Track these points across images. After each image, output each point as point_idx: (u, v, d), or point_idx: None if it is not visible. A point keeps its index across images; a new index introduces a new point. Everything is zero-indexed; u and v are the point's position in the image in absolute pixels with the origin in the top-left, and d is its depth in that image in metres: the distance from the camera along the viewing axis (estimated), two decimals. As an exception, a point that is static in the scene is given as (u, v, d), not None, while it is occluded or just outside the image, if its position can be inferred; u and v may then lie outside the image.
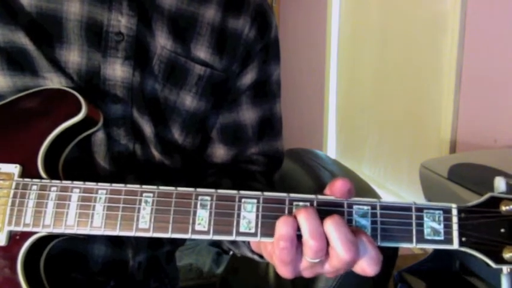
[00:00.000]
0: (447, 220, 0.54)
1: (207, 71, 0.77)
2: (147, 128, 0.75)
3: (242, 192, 0.56)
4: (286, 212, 0.55)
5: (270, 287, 1.12)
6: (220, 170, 0.85)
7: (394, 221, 0.54)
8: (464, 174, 1.01)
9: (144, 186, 0.59)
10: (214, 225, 0.56)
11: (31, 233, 0.61)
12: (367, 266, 0.52)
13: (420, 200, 0.57)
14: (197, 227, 0.56)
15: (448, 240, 0.54)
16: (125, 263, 0.78)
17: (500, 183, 0.54)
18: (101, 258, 0.75)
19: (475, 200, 0.55)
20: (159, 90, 0.75)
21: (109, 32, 0.71)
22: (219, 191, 0.57)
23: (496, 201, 0.54)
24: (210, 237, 0.56)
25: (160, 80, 0.75)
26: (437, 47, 1.74)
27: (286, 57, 3.46)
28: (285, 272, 0.54)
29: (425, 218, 0.54)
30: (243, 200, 0.56)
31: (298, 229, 0.52)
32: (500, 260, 0.53)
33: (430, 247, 0.54)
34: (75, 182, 0.60)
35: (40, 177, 0.63)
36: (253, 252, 0.69)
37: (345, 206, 0.55)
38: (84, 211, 0.59)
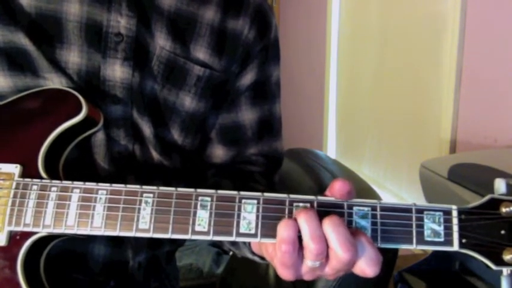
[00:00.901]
0: (447, 222, 0.54)
1: (206, 71, 0.77)
2: (147, 129, 0.75)
3: (242, 193, 0.56)
4: (287, 212, 0.55)
5: (270, 287, 1.12)
6: (219, 170, 0.85)
7: (395, 223, 0.54)
8: (464, 174, 1.01)
9: (144, 187, 0.59)
10: (214, 226, 0.56)
11: (31, 233, 0.61)
12: (366, 267, 0.52)
13: (420, 200, 0.57)
14: (197, 228, 0.56)
15: (448, 241, 0.54)
16: (125, 263, 0.78)
17: (500, 185, 0.54)
18: (101, 258, 0.75)
19: (475, 200, 0.55)
20: (158, 91, 0.75)
21: (108, 33, 0.71)
22: (219, 191, 0.57)
23: (496, 203, 0.54)
24: (210, 237, 0.56)
25: (160, 81, 0.75)
26: (437, 47, 1.74)
27: (286, 57, 3.47)
28: (286, 275, 0.54)
29: (425, 220, 0.54)
30: (243, 200, 0.56)
31: (299, 231, 0.52)
32: (501, 262, 0.53)
33: (430, 249, 0.54)
34: (75, 182, 0.60)
35: (40, 177, 0.63)
36: (253, 253, 0.69)
37: (345, 207, 0.55)
38: (84, 211, 0.59)
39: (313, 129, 3.12)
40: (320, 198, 0.55)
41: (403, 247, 0.55)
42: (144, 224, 0.58)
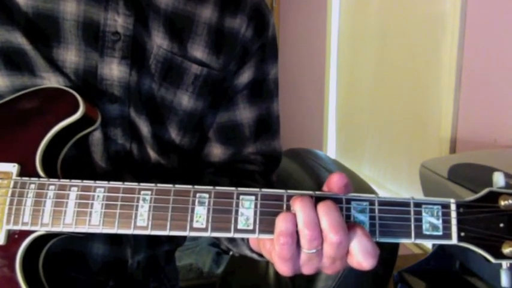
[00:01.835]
0: (446, 215, 0.54)
1: (203, 70, 0.77)
2: (144, 128, 0.75)
3: (240, 189, 0.56)
4: (284, 208, 0.55)
5: (269, 287, 1.12)
6: (217, 169, 0.85)
7: (393, 217, 0.54)
8: (464, 174, 1.00)
9: (142, 184, 0.59)
10: (212, 222, 0.56)
11: (29, 232, 0.61)
12: (363, 260, 0.52)
13: (419, 197, 0.57)
14: (195, 224, 0.56)
15: (447, 235, 0.53)
16: (124, 262, 0.78)
17: (499, 178, 0.54)
18: (99, 257, 0.75)
19: (474, 199, 0.55)
20: (155, 90, 0.75)
21: (106, 32, 0.71)
22: (217, 188, 0.57)
23: (494, 196, 0.54)
24: (208, 234, 0.56)
25: (157, 80, 0.75)
26: (437, 47, 1.74)
27: (286, 57, 3.48)
28: (285, 269, 0.54)
29: (423, 213, 0.54)
30: (241, 196, 0.56)
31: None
32: (500, 255, 0.53)
33: (429, 242, 0.53)
34: (73, 181, 0.60)
35: (38, 176, 0.63)
36: (252, 250, 0.69)
37: (344, 202, 0.55)
38: (82, 209, 0.59)
39: (313, 129, 3.12)
40: (318, 193, 0.55)
41: (402, 241, 0.55)
42: (142, 221, 0.58)
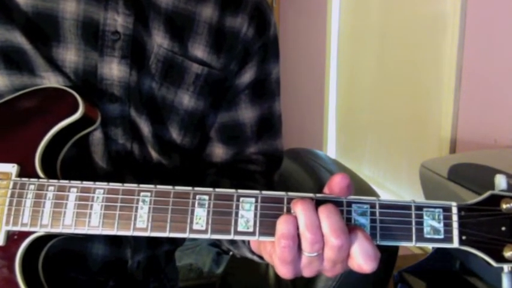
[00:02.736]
0: (447, 218, 0.54)
1: (204, 69, 0.77)
2: (145, 128, 0.75)
3: (240, 191, 0.56)
4: (285, 210, 0.55)
5: (270, 287, 1.12)
6: (219, 169, 0.85)
7: (394, 220, 0.54)
8: (464, 174, 1.00)
9: (141, 186, 0.58)
10: (212, 224, 0.56)
11: (29, 233, 0.61)
12: (363, 263, 0.52)
13: (420, 200, 0.56)
14: (195, 226, 0.56)
15: (448, 238, 0.53)
16: (124, 262, 0.78)
17: (501, 181, 0.54)
18: (99, 257, 0.75)
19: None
20: (156, 89, 0.75)
21: (105, 31, 0.70)
22: (217, 189, 0.57)
23: (496, 199, 0.54)
24: (208, 236, 0.56)
25: (158, 79, 0.75)
26: (437, 47, 1.74)
27: (286, 57, 3.47)
28: (285, 272, 0.54)
29: (425, 217, 0.54)
30: (241, 199, 0.56)
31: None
32: (501, 259, 0.53)
33: (430, 246, 0.53)
34: (72, 182, 0.60)
35: (38, 177, 0.63)
36: (252, 252, 0.69)
37: (344, 204, 0.55)
38: (81, 210, 0.59)
39: (313, 129, 3.12)
40: (319, 195, 0.55)
41: (403, 244, 0.54)
42: (141, 223, 0.57)
